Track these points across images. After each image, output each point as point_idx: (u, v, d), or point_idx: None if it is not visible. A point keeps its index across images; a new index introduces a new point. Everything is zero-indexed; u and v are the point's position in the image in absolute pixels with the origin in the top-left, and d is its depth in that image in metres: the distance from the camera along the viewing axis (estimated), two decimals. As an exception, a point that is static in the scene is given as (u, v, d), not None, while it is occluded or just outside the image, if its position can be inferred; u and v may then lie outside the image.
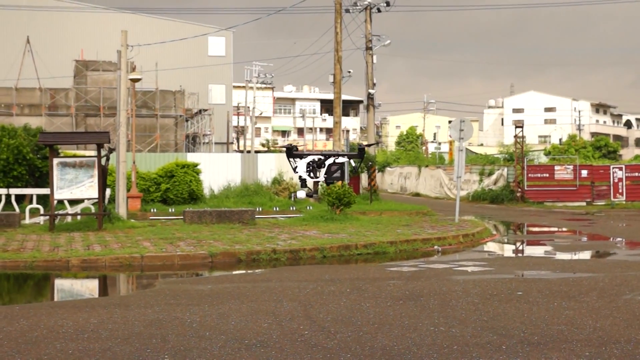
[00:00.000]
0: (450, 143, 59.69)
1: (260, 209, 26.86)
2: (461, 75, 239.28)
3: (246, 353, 7.37)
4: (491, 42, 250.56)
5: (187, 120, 49.22)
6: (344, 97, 43.30)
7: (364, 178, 36.97)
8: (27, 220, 22.29)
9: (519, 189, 36.00)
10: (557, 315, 9.13)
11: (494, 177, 38.60)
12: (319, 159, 19.50)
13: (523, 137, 37.15)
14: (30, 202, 24.08)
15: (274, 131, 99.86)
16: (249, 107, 69.17)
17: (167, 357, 7.23)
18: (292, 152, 19.22)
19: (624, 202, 35.64)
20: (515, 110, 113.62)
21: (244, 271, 14.12)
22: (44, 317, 9.26)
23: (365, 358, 7.20)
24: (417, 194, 46.79)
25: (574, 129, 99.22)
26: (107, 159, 21.42)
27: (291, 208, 27.82)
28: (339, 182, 23.93)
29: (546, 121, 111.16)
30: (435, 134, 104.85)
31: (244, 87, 73.66)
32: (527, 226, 25.47)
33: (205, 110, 53.24)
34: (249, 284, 12.15)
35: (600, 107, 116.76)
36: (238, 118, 78.86)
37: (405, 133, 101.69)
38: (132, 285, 13.28)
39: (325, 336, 8.09)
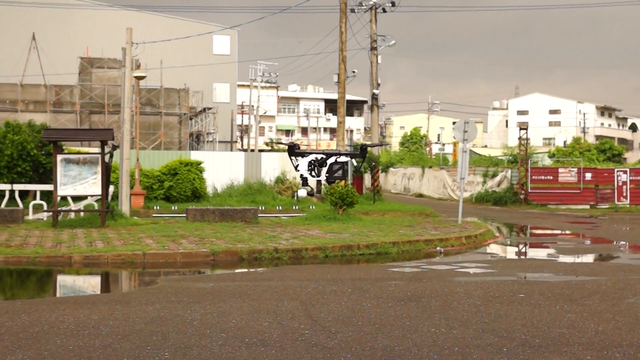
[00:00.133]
0: (454, 144, 59.63)
1: (263, 208, 26.86)
2: (466, 77, 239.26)
3: (246, 352, 7.36)
4: (496, 44, 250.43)
5: (191, 119, 49.25)
6: (348, 97, 43.29)
7: (367, 178, 36.94)
8: (31, 216, 22.33)
9: (523, 191, 35.96)
10: (559, 318, 9.11)
11: (497, 178, 38.56)
12: (321, 158, 19.53)
13: (527, 139, 37.10)
14: (34, 198, 24.12)
15: (277, 130, 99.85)
16: (253, 106, 69.20)
17: (167, 355, 7.23)
18: (293, 150, 19.25)
19: (628, 206, 35.59)
20: (520, 112, 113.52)
21: (245, 270, 14.12)
22: (45, 312, 9.26)
23: (366, 358, 7.19)
24: (421, 195, 46.76)
25: (579, 131, 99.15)
26: (111, 156, 21.44)
27: (294, 207, 27.81)
28: (342, 182, 23.94)
29: (551, 123, 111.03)
30: (439, 135, 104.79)
31: (248, 85, 73.68)
32: (530, 228, 25.43)
33: (210, 108, 53.27)
34: (250, 282, 12.14)
35: (605, 110, 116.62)
36: (242, 117, 78.89)
37: (409, 134, 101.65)
38: (133, 282, 13.28)
39: (326, 336, 8.07)
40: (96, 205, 22.36)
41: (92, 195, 21.09)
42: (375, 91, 38.04)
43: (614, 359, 7.25)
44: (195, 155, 32.89)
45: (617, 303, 10.25)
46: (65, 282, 13.41)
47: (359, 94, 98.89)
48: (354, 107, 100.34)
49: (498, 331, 8.36)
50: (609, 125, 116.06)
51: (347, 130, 48.27)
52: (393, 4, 37.79)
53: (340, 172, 25.94)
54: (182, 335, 8.01)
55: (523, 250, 19.20)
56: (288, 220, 22.55)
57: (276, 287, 11.37)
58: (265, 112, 79.80)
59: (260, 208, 25.74)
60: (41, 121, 34.09)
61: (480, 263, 15.27)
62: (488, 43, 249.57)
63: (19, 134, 26.89)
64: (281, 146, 55.56)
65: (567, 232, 23.83)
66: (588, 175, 36.23)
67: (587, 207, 35.43)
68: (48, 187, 23.16)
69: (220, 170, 32.80)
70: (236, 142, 70.36)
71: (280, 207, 27.84)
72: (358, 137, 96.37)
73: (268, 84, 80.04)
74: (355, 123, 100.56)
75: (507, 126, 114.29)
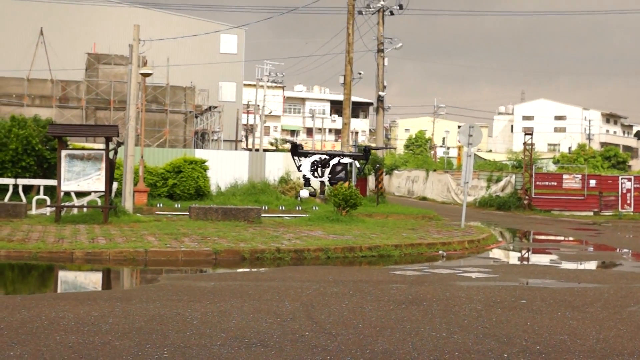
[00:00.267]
0: (459, 148, 59.59)
1: (266, 208, 26.85)
2: (472, 81, 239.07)
3: (246, 352, 7.34)
4: (503, 48, 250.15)
5: (196, 117, 49.29)
6: (354, 98, 43.25)
7: (371, 180, 36.94)
8: (34, 211, 22.34)
9: (527, 197, 35.89)
10: (561, 325, 9.07)
11: (501, 183, 38.50)
12: (324, 159, 19.47)
13: (532, 144, 37.03)
14: (38, 192, 24.14)
15: (283, 130, 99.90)
16: (258, 106, 69.23)
17: (166, 354, 7.20)
18: (296, 151, 19.21)
19: (632, 213, 35.51)
20: (525, 118, 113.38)
21: (247, 269, 14.10)
22: (46, 308, 9.25)
23: (366, 361, 7.16)
24: (424, 198, 46.72)
25: (584, 138, 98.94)
26: (115, 153, 21.44)
27: (297, 208, 27.79)
28: (346, 184, 23.90)
29: (556, 129, 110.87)
30: (444, 138, 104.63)
31: (254, 85, 73.71)
32: (533, 234, 25.37)
33: (215, 107, 53.31)
34: (251, 282, 12.12)
35: (610, 117, 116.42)
36: (247, 116, 78.93)
37: (414, 136, 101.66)
38: (134, 279, 13.27)
39: (326, 338, 8.05)
40: (99, 202, 22.37)
41: (95, 192, 21.09)
42: (381, 93, 38.03)
43: (615, 368, 7.21)
44: (199, 154, 32.91)
45: (619, 311, 10.20)
46: (66, 278, 13.40)
47: (364, 96, 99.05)
48: (359, 109, 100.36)
49: (499, 337, 8.33)
50: (614, 132, 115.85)
51: (352, 132, 48.22)
52: (401, 7, 37.80)
53: (342, 173, 25.88)
54: (182, 334, 7.99)
55: (526, 255, 19.15)
56: (291, 221, 22.53)
57: (277, 288, 11.34)
58: (270, 112, 79.79)
59: (263, 208, 25.73)
60: (47, 116, 34.13)
61: (482, 268, 15.22)
62: (494, 47, 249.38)
63: (24, 128, 26.93)
64: (287, 146, 55.59)
65: (570, 238, 23.77)
66: (592, 182, 36.16)
67: (591, 213, 35.36)
68: (52, 182, 23.17)
69: (225, 169, 32.82)
70: (241, 141, 70.40)
71: (284, 207, 27.83)
72: (363, 139, 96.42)
73: (274, 84, 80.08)
74: (361, 125, 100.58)
75: (512, 131, 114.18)
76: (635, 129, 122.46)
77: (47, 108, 42.82)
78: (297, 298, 10.45)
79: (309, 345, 7.68)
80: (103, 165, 19.73)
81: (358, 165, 30.56)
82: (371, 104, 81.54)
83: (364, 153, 29.38)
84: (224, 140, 56.11)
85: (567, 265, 16.32)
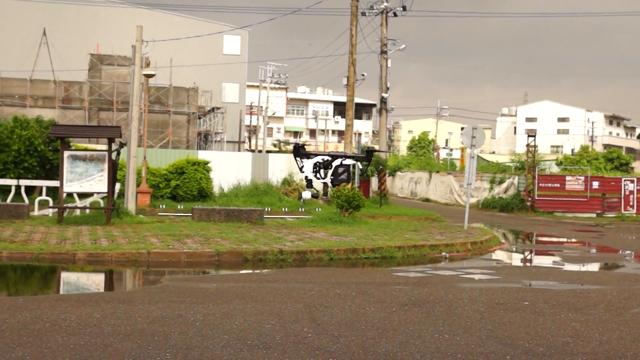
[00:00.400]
0: (462, 150, 59.53)
1: (269, 209, 26.84)
2: (475, 82, 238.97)
3: (248, 354, 7.32)
4: (506, 50, 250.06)
5: (199, 118, 49.27)
6: (357, 100, 43.26)
7: (374, 182, 36.91)
8: (36, 212, 22.35)
9: (530, 198, 35.85)
10: (563, 327, 9.05)
11: (504, 185, 38.46)
12: (326, 160, 19.42)
13: (535, 146, 36.99)
14: (40, 193, 24.15)
15: (286, 131, 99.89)
16: (261, 107, 69.21)
17: (168, 355, 7.19)
18: (299, 152, 19.15)
19: (635, 215, 35.46)
20: (529, 119, 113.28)
21: (250, 271, 14.08)
22: (47, 310, 9.24)
23: (368, 363, 7.14)
24: (427, 200, 46.69)
25: (587, 139, 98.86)
26: (118, 154, 21.44)
27: (300, 209, 27.78)
28: (349, 185, 23.89)
29: (559, 131, 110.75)
30: (447, 140, 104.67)
31: (257, 86, 73.70)
32: (536, 236, 25.34)
33: (218, 108, 53.30)
34: (254, 284, 12.10)
35: (613, 119, 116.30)
36: (250, 117, 78.90)
37: (417, 138, 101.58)
38: (137, 281, 13.26)
39: (329, 340, 8.03)
40: (102, 203, 22.36)
41: (98, 193, 21.09)
42: (384, 95, 38.01)
43: (618, 370, 7.19)
44: (202, 155, 32.90)
45: (622, 313, 10.18)
46: (68, 280, 13.40)
47: (367, 97, 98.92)
48: (362, 110, 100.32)
49: (502, 338, 8.31)
50: (617, 134, 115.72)
51: (355, 133, 48.25)
52: (404, 8, 37.76)
53: (345, 175, 25.86)
54: (184, 336, 7.98)
55: (528, 257, 19.12)
56: (294, 222, 22.52)
57: (280, 289, 11.33)
58: (273, 113, 79.79)
59: (266, 209, 25.72)
60: (49, 117, 34.14)
61: (485, 269, 15.20)
62: (497, 49, 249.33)
63: (26, 129, 26.94)
64: (289, 147, 55.55)
65: (573, 240, 23.73)
66: (595, 184, 36.11)
67: (594, 215, 35.30)
68: (54, 183, 23.18)
69: (227, 170, 32.81)
70: (244, 142, 70.39)
71: (286, 209, 27.81)
72: (366, 140, 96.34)
73: (277, 85, 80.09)
74: (364, 126, 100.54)
75: (515, 133, 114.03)
76: (638, 131, 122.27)
77: (49, 109, 42.81)
78: (299, 300, 10.44)
79: (311, 347, 7.66)
80: (105, 166, 19.72)
81: (361, 167, 30.53)
82: (374, 105, 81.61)
83: (367, 155, 29.38)
84: (227, 142, 56.07)
85: (569, 267, 16.29)
